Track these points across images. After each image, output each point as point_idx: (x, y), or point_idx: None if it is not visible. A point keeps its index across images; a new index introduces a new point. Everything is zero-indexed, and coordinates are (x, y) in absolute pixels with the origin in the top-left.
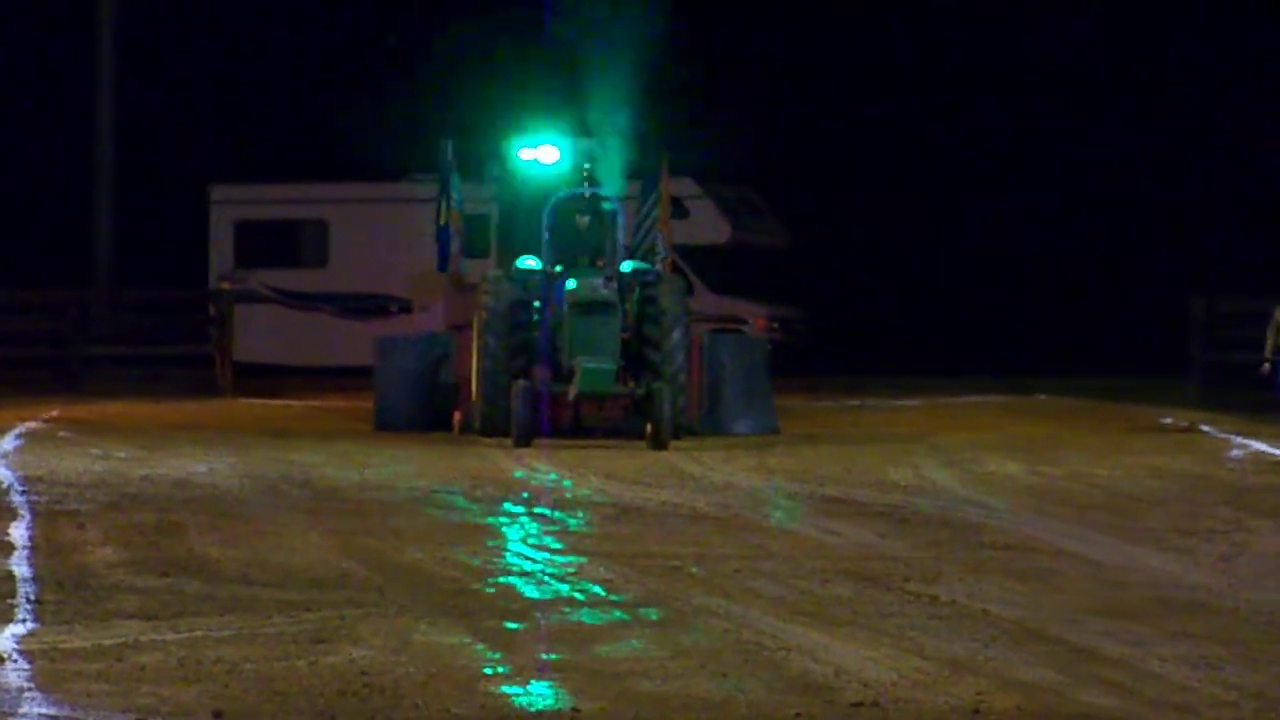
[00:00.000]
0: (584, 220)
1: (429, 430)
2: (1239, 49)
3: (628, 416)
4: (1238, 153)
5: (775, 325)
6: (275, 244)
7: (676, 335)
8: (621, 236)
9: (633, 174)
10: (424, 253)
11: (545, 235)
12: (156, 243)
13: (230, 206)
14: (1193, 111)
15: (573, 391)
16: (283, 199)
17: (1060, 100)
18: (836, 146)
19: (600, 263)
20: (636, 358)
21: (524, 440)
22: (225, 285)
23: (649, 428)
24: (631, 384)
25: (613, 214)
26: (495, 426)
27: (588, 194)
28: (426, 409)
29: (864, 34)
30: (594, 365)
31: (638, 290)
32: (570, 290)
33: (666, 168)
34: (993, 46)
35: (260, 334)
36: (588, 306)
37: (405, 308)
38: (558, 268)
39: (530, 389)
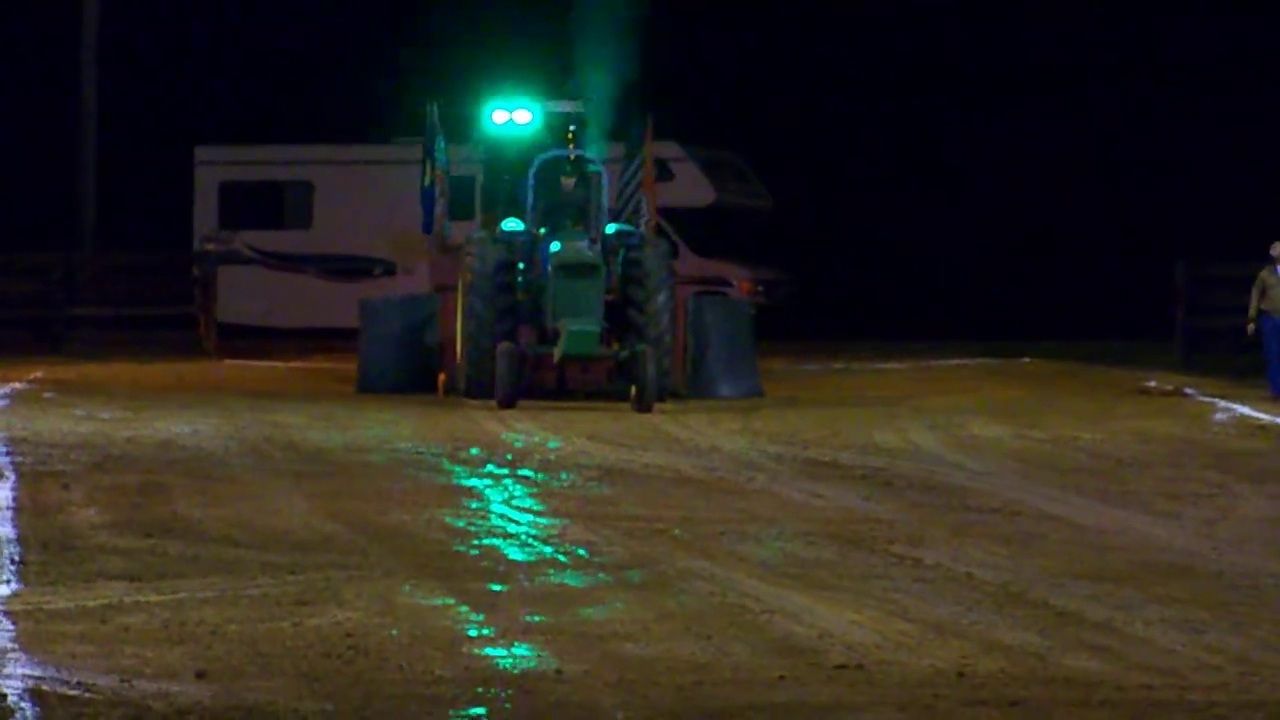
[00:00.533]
0: (569, 182)
1: (413, 392)
2: (1220, 20)
3: (612, 379)
4: (1220, 117)
5: (759, 288)
6: (260, 205)
7: (661, 298)
8: (606, 199)
9: (617, 136)
10: (408, 215)
11: (530, 197)
12: (141, 204)
13: (215, 168)
14: (1176, 77)
15: (557, 353)
16: (267, 160)
17: (1045, 64)
18: (820, 109)
19: (584, 225)
20: (621, 320)
21: (508, 402)
22: (210, 247)
23: (633, 390)
24: (616, 346)
25: (597, 176)
26: (480, 389)
27: (572, 156)
28: (411, 371)
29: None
30: (578, 327)
31: (622, 252)
32: (554, 253)
33: (651, 130)
34: (979, 12)
35: (245, 295)
36: (572, 268)
37: (389, 269)
38: (542, 230)
39: (515, 351)
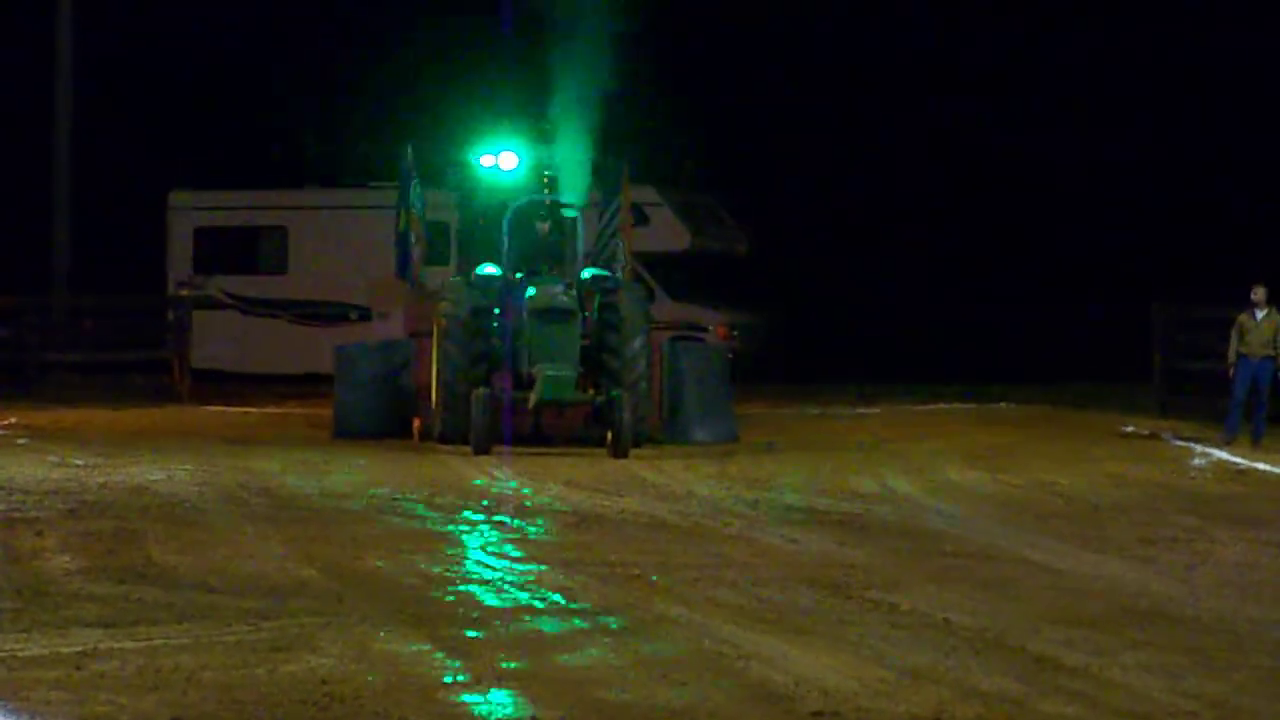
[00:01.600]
0: (544, 227)
1: (389, 438)
2: (1202, 63)
3: (588, 424)
4: (1200, 162)
5: (736, 332)
6: (234, 250)
7: (637, 343)
8: (582, 244)
9: (593, 181)
10: (383, 260)
11: (505, 242)
12: (115, 249)
13: (189, 213)
14: (1157, 121)
15: (533, 399)
16: (242, 205)
17: (1026, 109)
18: (796, 153)
19: (560, 270)
20: (597, 365)
21: (484, 448)
22: (184, 292)
23: (609, 435)
24: (591, 392)
25: (573, 221)
26: (455, 434)
27: (548, 201)
28: (387, 417)
29: (826, 40)
30: (554, 372)
31: (598, 297)
32: (530, 298)
33: (627, 175)
34: (959, 55)
35: (219, 341)
36: (547, 313)
37: (364, 315)
38: (518, 275)
39: (491, 396)
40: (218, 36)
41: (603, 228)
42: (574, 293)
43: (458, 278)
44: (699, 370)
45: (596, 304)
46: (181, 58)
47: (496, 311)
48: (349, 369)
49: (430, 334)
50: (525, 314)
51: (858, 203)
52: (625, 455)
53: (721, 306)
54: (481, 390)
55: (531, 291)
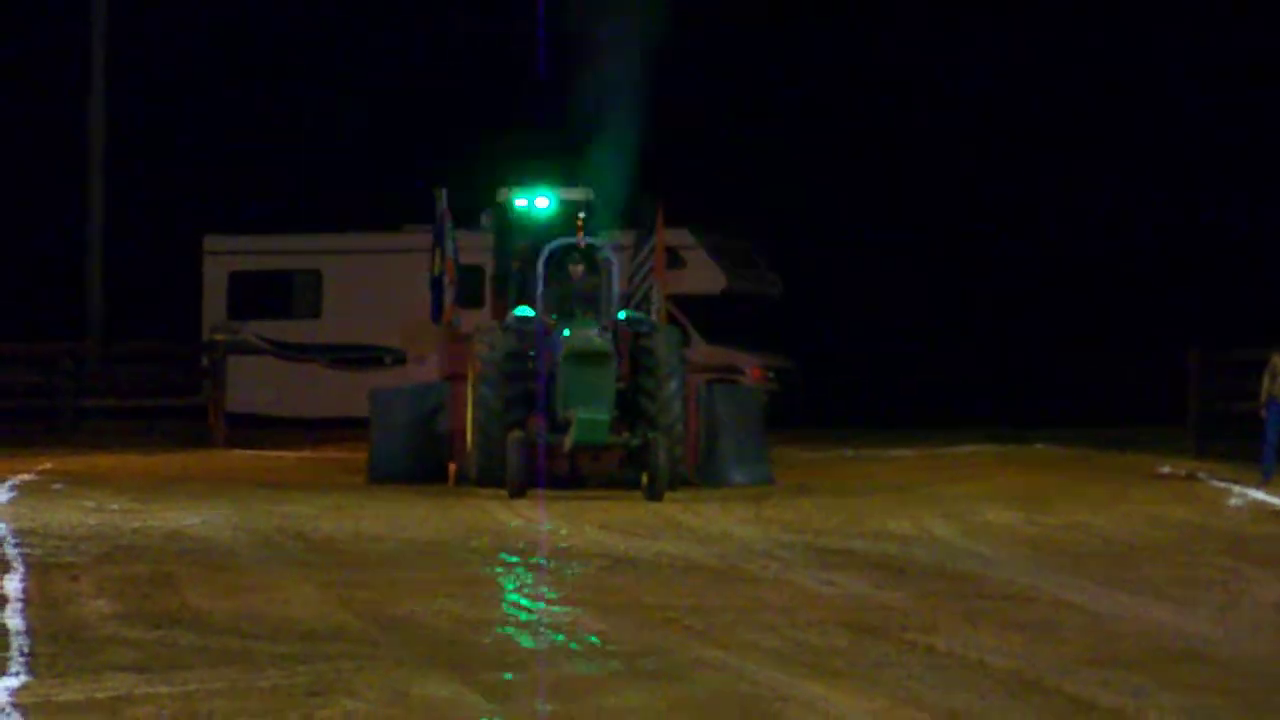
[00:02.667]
0: (579, 270)
1: (424, 482)
2: (1230, 102)
3: (623, 466)
4: (1234, 203)
5: (770, 375)
6: (268, 295)
7: (673, 386)
8: (617, 286)
9: (628, 223)
10: (418, 303)
11: (540, 285)
12: (149, 294)
13: (223, 257)
14: (1192, 163)
15: (568, 442)
16: (276, 250)
17: (1058, 151)
18: (830, 196)
19: (595, 313)
20: (632, 408)
21: (519, 491)
22: (219, 336)
23: (645, 478)
24: (627, 434)
25: (608, 264)
26: (491, 478)
27: (583, 244)
28: (421, 460)
29: (856, 88)
30: (589, 415)
31: (633, 340)
32: (565, 339)
33: (662, 216)
34: (987, 99)
35: (254, 385)
36: (583, 357)
37: (399, 359)
38: (553, 317)
39: (526, 440)
40: (251, 80)
41: (636, 269)
42: (609, 335)
43: (492, 321)
44: (735, 413)
45: (632, 347)
46: (215, 101)
47: (532, 354)
48: (384, 412)
49: (465, 378)
50: (560, 357)
51: (892, 246)
52: (660, 498)
53: (756, 349)
54: (517, 433)
55: (566, 334)
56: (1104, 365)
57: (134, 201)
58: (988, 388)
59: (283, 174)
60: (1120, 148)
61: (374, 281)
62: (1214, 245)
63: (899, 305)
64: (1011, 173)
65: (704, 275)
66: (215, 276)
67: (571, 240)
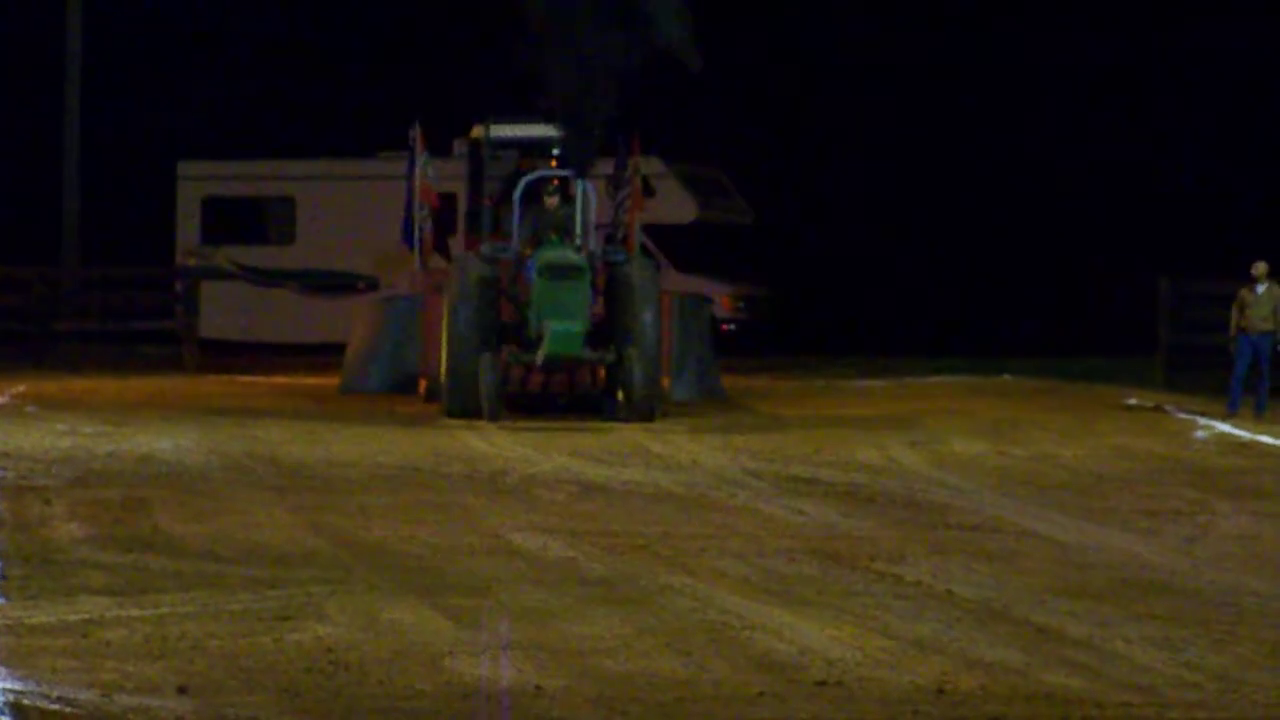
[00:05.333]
0: (554, 201)
1: (396, 392)
2: (1204, 41)
3: (596, 386)
4: (1206, 136)
5: (741, 304)
6: (242, 221)
7: (648, 316)
8: (593, 214)
9: (604, 152)
10: (391, 230)
11: (516, 216)
12: (124, 219)
13: (197, 183)
14: (1164, 97)
15: (540, 355)
16: (250, 175)
17: (1031, 83)
18: (802, 124)
19: (570, 239)
20: (606, 332)
21: (495, 412)
22: (192, 261)
23: (621, 394)
24: (601, 351)
25: (584, 193)
26: (463, 409)
27: (558, 175)
28: (396, 374)
29: (832, 12)
30: (562, 326)
31: (608, 272)
32: (540, 255)
33: (638, 145)
34: (964, 31)
35: (227, 311)
36: (557, 270)
37: (372, 285)
38: (528, 249)
39: (497, 359)
40: (227, 5)
41: (617, 205)
42: (584, 255)
43: (466, 251)
44: (695, 326)
45: (606, 279)
46: (191, 27)
47: (506, 286)
48: (362, 323)
49: (438, 293)
50: (534, 273)
51: (863, 175)
52: (639, 413)
53: (726, 278)
54: (488, 355)
55: (541, 251)
56: (1073, 295)
57: (109, 126)
58: (958, 318)
59: (258, 100)
60: (1091, 76)
61: (348, 208)
62: (1185, 177)
63: (870, 236)
64: (983, 100)
65: (675, 204)
66: (189, 202)
67: (547, 173)
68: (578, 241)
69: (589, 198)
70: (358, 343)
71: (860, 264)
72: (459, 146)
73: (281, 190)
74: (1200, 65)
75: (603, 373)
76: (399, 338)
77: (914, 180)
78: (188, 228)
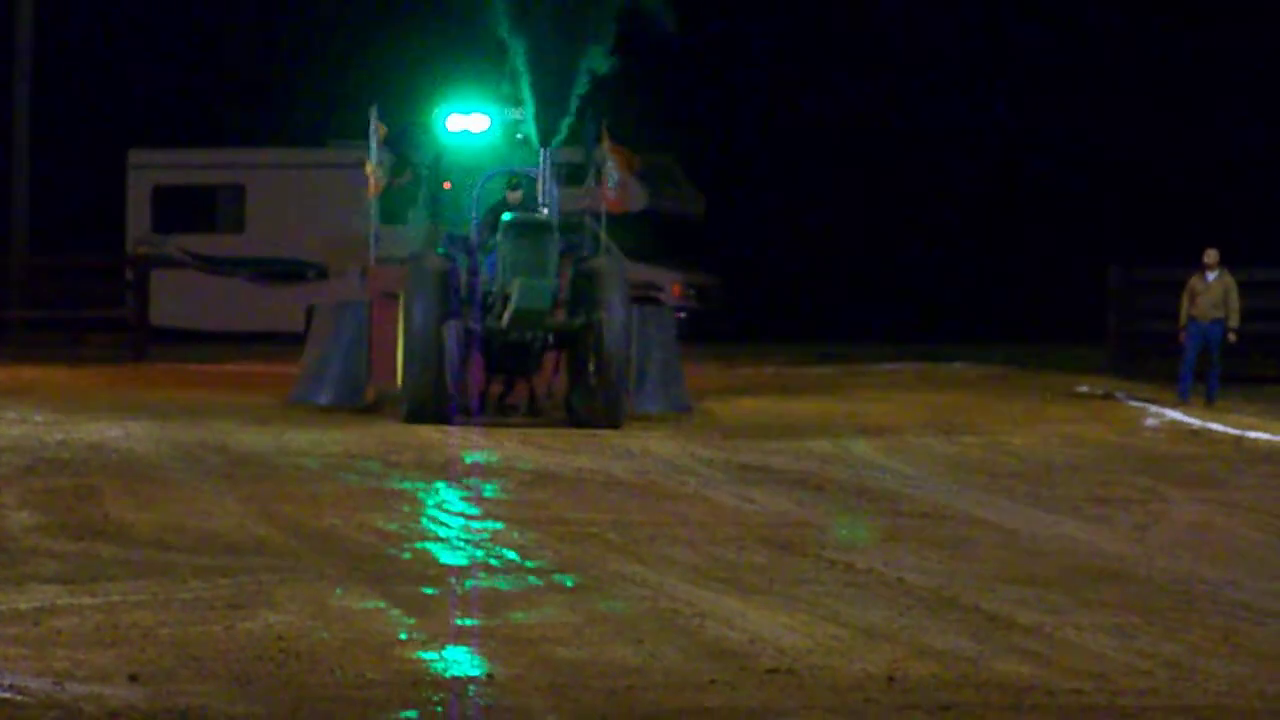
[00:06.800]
0: (516, 196)
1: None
2: (1156, 28)
3: (553, 396)
4: (1155, 124)
5: (690, 292)
6: (192, 209)
7: (616, 300)
8: (556, 210)
9: (569, 141)
10: (340, 218)
11: (475, 213)
12: (74, 208)
13: (148, 171)
14: (1113, 84)
15: (507, 315)
16: (200, 164)
17: (980, 70)
18: (752, 112)
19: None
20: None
21: (459, 382)
22: (142, 250)
23: (591, 366)
24: (570, 318)
25: (545, 163)
26: (421, 407)
27: (518, 171)
28: (347, 384)
29: (782, 2)
30: (530, 281)
31: (574, 265)
32: (505, 220)
33: (606, 135)
34: (916, 15)
35: (177, 299)
36: (523, 227)
37: (321, 273)
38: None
39: (462, 326)
40: None
41: (586, 191)
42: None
43: (424, 246)
44: (660, 336)
45: (572, 273)
46: (142, 15)
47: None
48: (319, 327)
49: (393, 296)
50: (500, 235)
51: (812, 164)
52: (608, 420)
53: (677, 266)
54: (453, 321)
55: (507, 217)
56: (1023, 282)
57: (59, 114)
58: (909, 305)
59: (209, 88)
60: (1042, 64)
61: (297, 196)
62: (1137, 164)
63: (821, 224)
64: (936, 89)
65: (626, 192)
66: (139, 190)
67: (509, 169)
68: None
69: (549, 166)
70: (309, 352)
71: (810, 252)
72: (412, 136)
73: (231, 178)
74: (1147, 51)
75: (563, 380)
76: (350, 347)
77: (864, 169)
78: (138, 216)
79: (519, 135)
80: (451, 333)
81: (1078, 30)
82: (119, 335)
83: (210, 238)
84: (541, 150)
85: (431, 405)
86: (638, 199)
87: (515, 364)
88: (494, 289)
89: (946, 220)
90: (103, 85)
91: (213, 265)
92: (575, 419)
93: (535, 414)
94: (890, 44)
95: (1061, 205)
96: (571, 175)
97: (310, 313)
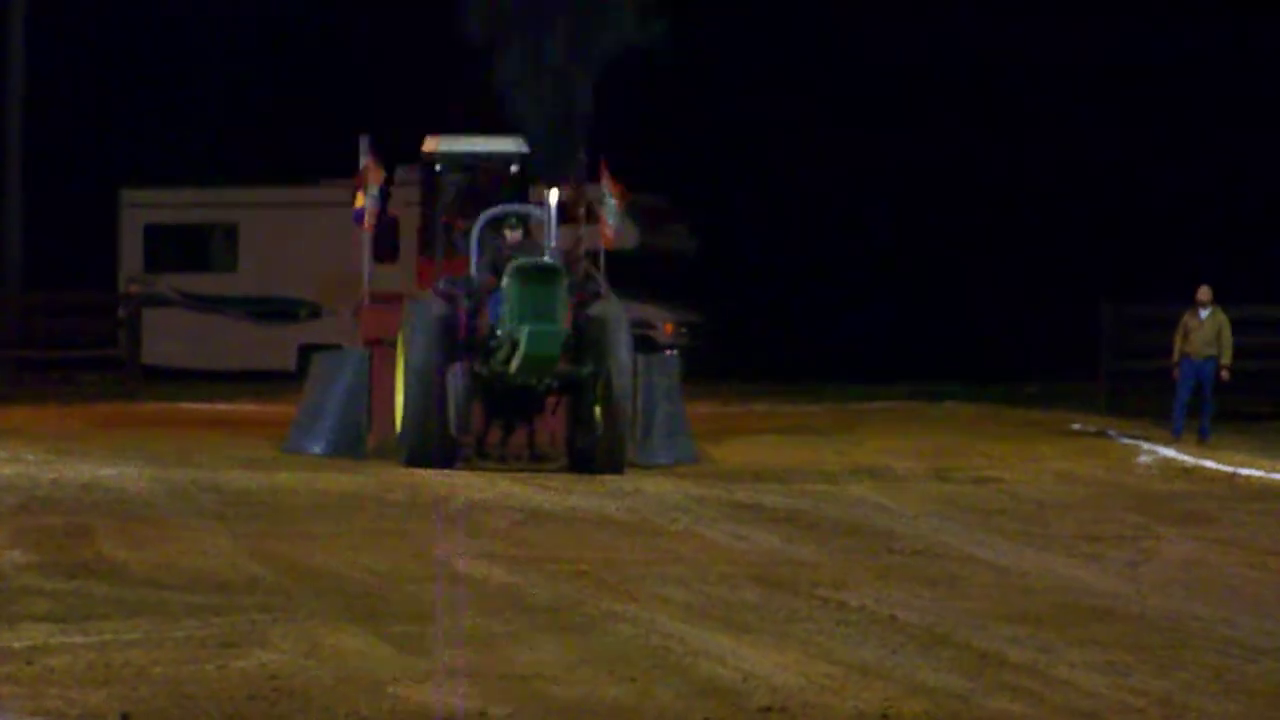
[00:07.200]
0: (516, 235)
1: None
2: (1147, 58)
3: (555, 445)
4: (1145, 160)
5: (683, 330)
6: (184, 248)
7: (624, 351)
8: (555, 243)
9: (568, 178)
10: (334, 256)
11: (474, 250)
12: (66, 246)
13: (140, 210)
14: (1104, 120)
15: (517, 360)
16: (192, 203)
17: (969, 107)
18: (744, 152)
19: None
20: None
21: (464, 425)
22: (135, 289)
23: (598, 415)
24: (577, 367)
25: (542, 225)
26: (422, 457)
27: (518, 209)
28: (345, 433)
29: (771, 40)
30: (541, 327)
31: (575, 309)
32: (513, 262)
33: (608, 172)
34: (900, 53)
35: (169, 338)
36: (531, 272)
37: (314, 312)
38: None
39: (468, 369)
40: (169, 31)
41: (580, 229)
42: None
43: (422, 290)
44: (666, 384)
45: (574, 315)
46: (134, 55)
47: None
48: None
49: (388, 343)
50: (507, 279)
51: (804, 202)
52: (612, 467)
53: (669, 304)
54: (459, 364)
55: (515, 261)
56: (1016, 321)
57: (52, 153)
58: (901, 343)
59: (201, 127)
60: (1034, 98)
61: (290, 235)
62: (1129, 202)
63: (813, 262)
64: (923, 124)
65: (622, 229)
66: (131, 229)
67: (509, 207)
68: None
69: (552, 207)
70: (305, 401)
71: (801, 289)
72: (402, 173)
73: (224, 217)
74: (1147, 89)
75: (562, 422)
76: (348, 396)
77: (857, 208)
78: (131, 255)
79: (513, 168)
80: (456, 376)
81: (1069, 65)
82: (111, 374)
83: (202, 277)
84: (548, 190)
85: (432, 450)
86: (631, 236)
87: (517, 408)
88: (500, 333)
89: (938, 257)
90: (96, 123)
91: (205, 304)
92: (577, 464)
93: (537, 459)
94: (879, 79)
95: (1054, 242)
96: (526, 218)
97: (301, 354)
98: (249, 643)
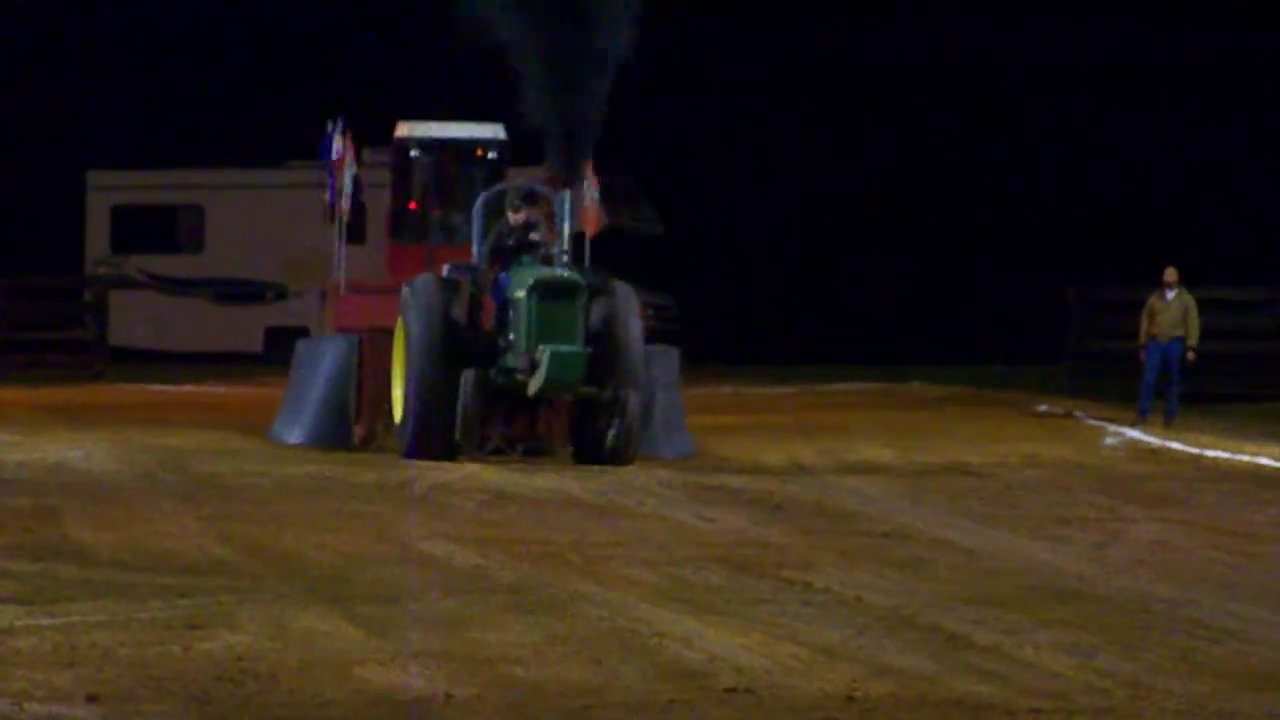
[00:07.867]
0: (519, 217)
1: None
2: (1120, 44)
3: (551, 436)
4: (1116, 143)
5: (651, 312)
6: (151, 229)
7: (635, 335)
8: (567, 225)
9: (550, 161)
10: (300, 238)
11: (477, 233)
12: (32, 228)
13: (106, 192)
14: (1073, 104)
15: (534, 384)
16: (159, 184)
17: (939, 89)
18: (712, 131)
19: (542, 258)
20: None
21: (473, 435)
22: (101, 270)
23: (611, 434)
24: (595, 388)
25: (554, 203)
26: (428, 444)
27: (522, 187)
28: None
29: (738, 19)
30: (564, 349)
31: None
32: (523, 273)
33: (590, 154)
34: (874, 32)
35: (136, 319)
36: (550, 288)
37: (280, 293)
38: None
39: (484, 376)
40: (136, 11)
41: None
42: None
43: (425, 275)
44: (664, 377)
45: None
46: (98, 36)
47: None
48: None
49: (377, 330)
50: (523, 293)
51: (774, 182)
52: (627, 459)
53: (637, 286)
54: (471, 370)
55: (525, 268)
56: (981, 302)
57: (17, 135)
58: (868, 324)
59: (167, 108)
60: (1002, 82)
61: (257, 217)
62: (1097, 184)
63: (781, 243)
64: (894, 106)
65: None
66: (98, 211)
67: (511, 185)
68: (559, 259)
69: (564, 205)
70: (289, 389)
71: (769, 271)
72: (369, 156)
73: (191, 199)
74: (1114, 71)
75: (562, 414)
76: (333, 384)
77: (822, 189)
78: (97, 237)
79: (491, 154)
80: (468, 384)
81: (1038, 50)
82: (77, 356)
83: (169, 258)
84: (562, 191)
85: (435, 446)
86: (601, 218)
87: (524, 408)
88: (513, 339)
89: (906, 239)
90: (60, 105)
91: (171, 286)
92: (583, 455)
93: (538, 453)
94: (850, 65)
95: (1020, 224)
96: (528, 196)
97: (268, 336)
98: (216, 624)
